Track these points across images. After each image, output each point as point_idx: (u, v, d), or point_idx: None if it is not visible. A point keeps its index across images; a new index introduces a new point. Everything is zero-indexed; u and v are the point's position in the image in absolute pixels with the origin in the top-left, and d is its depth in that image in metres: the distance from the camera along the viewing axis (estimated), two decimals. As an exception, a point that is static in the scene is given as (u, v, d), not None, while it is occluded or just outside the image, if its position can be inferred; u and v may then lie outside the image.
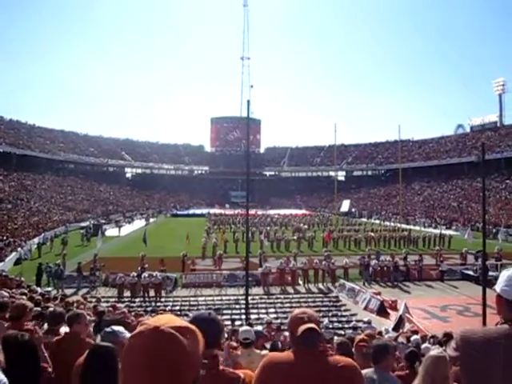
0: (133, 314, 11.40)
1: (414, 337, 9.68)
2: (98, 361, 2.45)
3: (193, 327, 1.15)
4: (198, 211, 69.95)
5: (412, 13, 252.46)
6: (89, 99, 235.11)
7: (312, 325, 2.13)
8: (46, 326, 5.19)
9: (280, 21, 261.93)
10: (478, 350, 1.61)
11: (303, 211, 71.00)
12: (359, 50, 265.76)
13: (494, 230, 41.12)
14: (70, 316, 4.33)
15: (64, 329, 4.61)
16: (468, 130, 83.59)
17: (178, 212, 72.45)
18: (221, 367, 2.27)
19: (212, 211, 67.52)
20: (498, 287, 1.72)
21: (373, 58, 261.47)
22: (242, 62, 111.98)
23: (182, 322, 1.16)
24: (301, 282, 23.76)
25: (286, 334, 11.33)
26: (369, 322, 12.88)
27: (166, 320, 1.12)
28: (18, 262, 27.13)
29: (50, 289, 19.21)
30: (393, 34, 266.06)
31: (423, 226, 51.71)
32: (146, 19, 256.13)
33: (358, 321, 14.92)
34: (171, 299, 20.25)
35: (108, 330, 3.37)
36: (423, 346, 7.21)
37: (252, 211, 57.90)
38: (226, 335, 7.07)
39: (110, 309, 10.72)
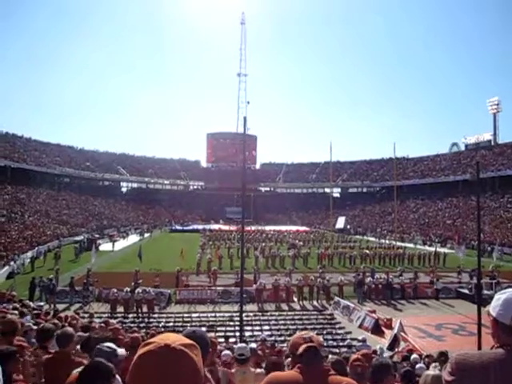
0: (126, 329, 11.26)
1: (413, 356, 9.60)
2: (96, 377, 2.42)
3: (196, 344, 1.16)
4: (200, 226, 69.03)
5: (408, 32, 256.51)
6: (85, 113, 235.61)
7: (312, 343, 2.16)
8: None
9: (277, 38, 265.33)
10: (474, 374, 1.59)
11: (303, 228, 71.07)
12: (356, 67, 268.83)
13: (489, 249, 41.20)
14: (61, 336, 4.27)
15: (54, 345, 4.55)
16: (463, 148, 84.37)
17: (179, 227, 71.25)
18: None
19: (214, 227, 67.57)
20: (494, 311, 1.69)
21: (369, 76, 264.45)
22: (238, 79, 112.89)
23: (188, 339, 1.17)
24: (295, 299, 23.64)
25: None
26: (364, 341, 12.76)
27: (174, 338, 1.14)
28: (10, 276, 26.87)
29: (42, 303, 19.00)
30: (389, 53, 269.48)
31: (418, 243, 51.81)
32: (143, 35, 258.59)
33: (352, 339, 14.79)
34: (164, 315, 20.04)
35: (99, 346, 3.33)
36: (417, 365, 7.15)
37: (251, 228, 57.89)
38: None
39: (103, 325, 10.59)
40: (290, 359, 2.53)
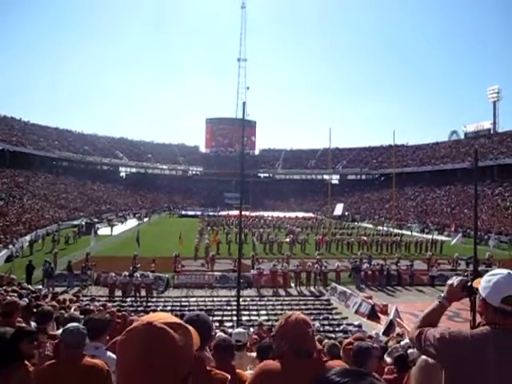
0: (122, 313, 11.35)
1: (405, 341, 9.70)
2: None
3: (186, 324, 1.20)
4: (210, 212, 68.78)
5: (408, 20, 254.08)
6: (84, 97, 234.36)
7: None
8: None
9: (277, 24, 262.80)
10: (466, 347, 1.67)
11: (309, 214, 71.60)
12: (356, 55, 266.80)
13: (486, 237, 41.37)
14: (59, 320, 4.34)
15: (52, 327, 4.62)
16: (462, 136, 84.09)
17: (189, 212, 70.82)
18: (208, 368, 2.30)
19: (222, 213, 68.02)
20: (484, 292, 1.77)
21: (369, 64, 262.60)
22: (238, 64, 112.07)
23: (176, 319, 1.21)
24: (293, 285, 23.78)
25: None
26: (359, 326, 12.86)
27: (160, 317, 1.18)
28: (8, 260, 26.95)
29: (40, 287, 19.10)
30: (389, 41, 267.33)
31: (415, 231, 52.02)
32: (142, 20, 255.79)
33: (348, 324, 14.95)
34: (162, 299, 20.22)
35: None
36: (410, 350, 7.23)
37: (250, 213, 57.96)
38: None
39: (101, 308, 10.70)
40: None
